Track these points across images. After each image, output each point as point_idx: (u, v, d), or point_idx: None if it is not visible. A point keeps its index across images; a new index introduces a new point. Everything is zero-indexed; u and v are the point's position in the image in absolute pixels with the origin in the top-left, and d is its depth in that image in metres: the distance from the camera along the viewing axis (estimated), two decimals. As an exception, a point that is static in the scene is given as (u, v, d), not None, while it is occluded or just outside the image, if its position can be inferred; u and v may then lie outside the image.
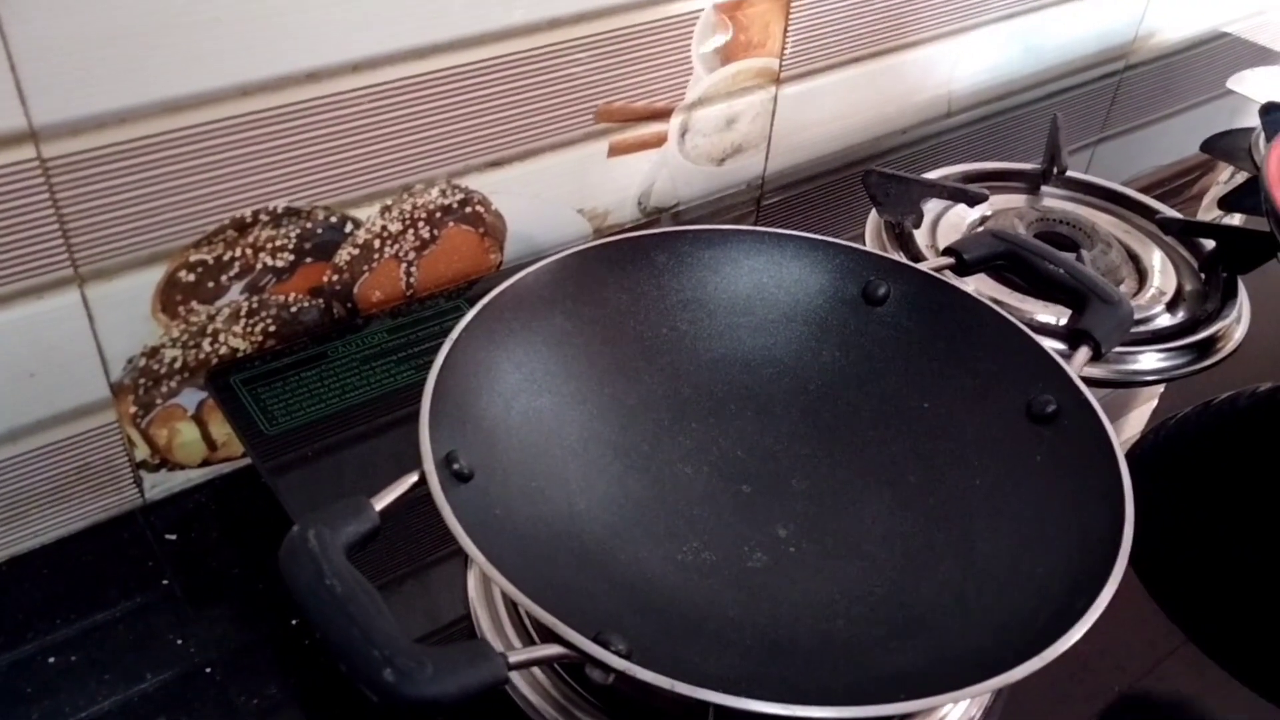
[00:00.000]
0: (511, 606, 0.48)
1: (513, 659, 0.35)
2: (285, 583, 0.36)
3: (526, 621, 0.47)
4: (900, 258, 0.58)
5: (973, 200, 0.73)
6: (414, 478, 0.41)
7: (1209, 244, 0.73)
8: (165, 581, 0.55)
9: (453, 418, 0.44)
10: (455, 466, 0.43)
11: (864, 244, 0.72)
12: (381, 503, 0.40)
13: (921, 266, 0.55)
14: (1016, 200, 0.78)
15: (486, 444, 0.46)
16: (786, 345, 0.56)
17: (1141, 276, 0.72)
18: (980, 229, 0.60)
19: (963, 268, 0.56)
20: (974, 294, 0.54)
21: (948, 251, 0.56)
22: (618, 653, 0.36)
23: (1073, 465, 0.46)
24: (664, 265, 0.55)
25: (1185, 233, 0.75)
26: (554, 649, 0.36)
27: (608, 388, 0.53)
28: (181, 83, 0.51)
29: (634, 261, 0.55)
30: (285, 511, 0.53)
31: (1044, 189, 0.79)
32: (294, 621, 0.52)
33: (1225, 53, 1.09)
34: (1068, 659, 0.37)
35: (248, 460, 0.63)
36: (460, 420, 0.45)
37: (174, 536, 0.58)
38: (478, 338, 0.48)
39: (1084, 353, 0.51)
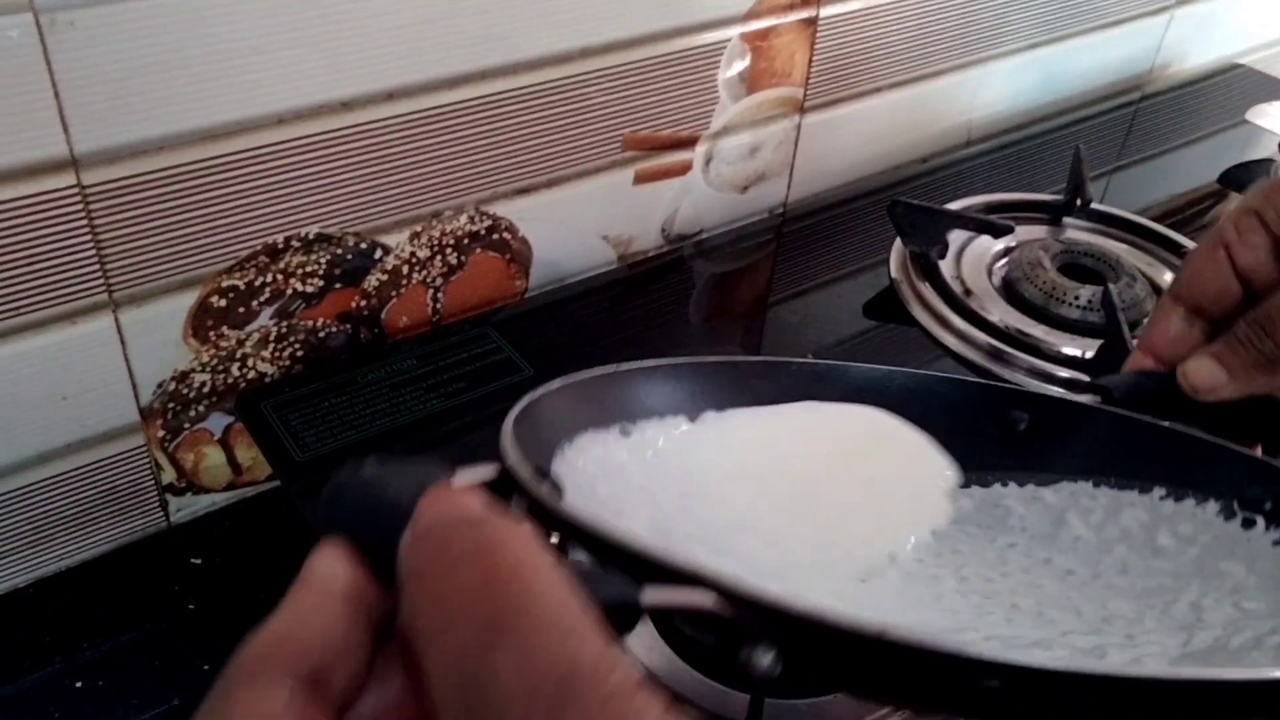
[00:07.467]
0: None
1: (649, 597, 0.30)
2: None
3: None
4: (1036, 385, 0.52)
5: (998, 232, 0.74)
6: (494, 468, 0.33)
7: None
8: (191, 605, 0.56)
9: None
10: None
11: (889, 273, 0.72)
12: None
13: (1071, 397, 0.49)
14: (1039, 231, 0.78)
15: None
16: None
17: (1164, 309, 0.71)
18: (1130, 370, 0.52)
19: (1111, 404, 0.51)
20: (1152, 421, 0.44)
21: (1095, 389, 0.49)
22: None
23: None
24: (762, 393, 0.45)
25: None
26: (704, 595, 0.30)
27: None
28: (219, 111, 0.51)
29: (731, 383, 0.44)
30: (316, 537, 0.52)
31: (1066, 220, 0.80)
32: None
33: (1240, 84, 1.10)
34: None
35: (271, 483, 0.63)
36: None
37: (199, 560, 0.59)
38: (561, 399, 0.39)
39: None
